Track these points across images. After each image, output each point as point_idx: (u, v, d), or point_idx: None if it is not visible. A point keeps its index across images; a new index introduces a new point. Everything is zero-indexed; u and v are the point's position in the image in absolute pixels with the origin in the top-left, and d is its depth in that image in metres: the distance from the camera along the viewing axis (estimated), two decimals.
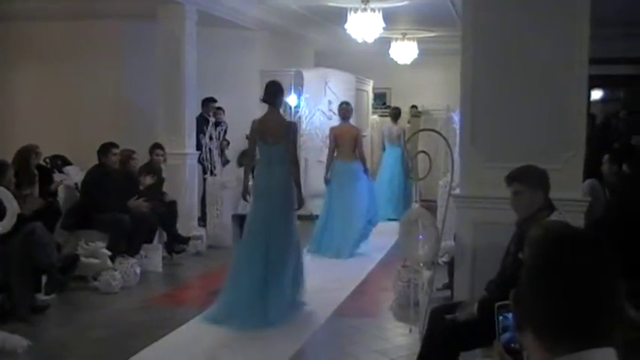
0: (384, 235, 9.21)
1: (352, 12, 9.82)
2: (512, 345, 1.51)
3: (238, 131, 10.53)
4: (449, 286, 5.61)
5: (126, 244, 7.12)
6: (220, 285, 6.35)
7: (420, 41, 13.50)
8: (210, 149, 8.99)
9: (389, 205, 11.07)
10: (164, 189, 8.35)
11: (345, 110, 9.03)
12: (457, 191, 4.75)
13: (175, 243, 8.13)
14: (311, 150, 10.84)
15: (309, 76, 11.12)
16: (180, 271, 7.99)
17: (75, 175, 8.04)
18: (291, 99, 10.62)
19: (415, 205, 5.59)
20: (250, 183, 6.38)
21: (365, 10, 9.79)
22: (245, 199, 6.69)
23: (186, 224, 8.63)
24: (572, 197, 4.18)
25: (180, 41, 8.89)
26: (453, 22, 9.77)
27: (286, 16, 11.48)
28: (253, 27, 10.94)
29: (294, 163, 6.11)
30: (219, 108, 10.05)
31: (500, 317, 1.59)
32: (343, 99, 10.18)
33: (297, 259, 6.08)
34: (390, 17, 10.18)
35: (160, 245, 7.86)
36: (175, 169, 8.80)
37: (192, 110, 9.23)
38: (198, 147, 9.13)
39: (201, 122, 9.29)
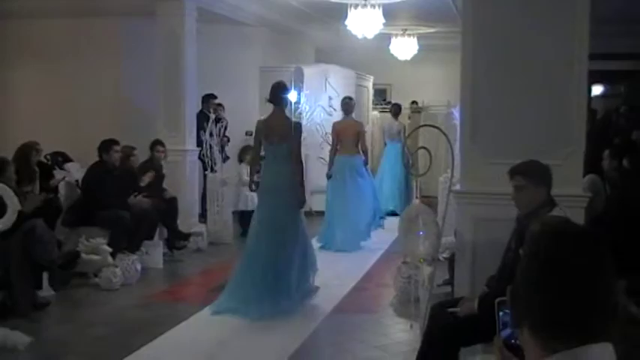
0: (385, 231, 9.24)
1: (352, 8, 9.82)
2: (512, 341, 1.51)
3: (238, 127, 10.56)
4: (449, 282, 5.62)
5: (126, 240, 7.13)
6: (221, 281, 6.40)
7: (420, 37, 13.49)
8: (210, 146, 8.99)
9: (390, 201, 11.13)
10: (165, 185, 8.35)
11: (347, 105, 9.14)
12: (457, 187, 4.75)
13: (176, 239, 8.13)
14: (311, 146, 10.82)
15: (310, 72, 11.11)
16: (180, 267, 8.00)
17: (76, 171, 8.04)
18: (291, 95, 10.61)
19: (415, 201, 5.59)
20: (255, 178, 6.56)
21: (365, 6, 9.78)
22: (252, 190, 6.95)
23: (187, 221, 8.63)
24: (572, 193, 4.18)
25: (180, 38, 8.88)
26: (454, 18, 9.74)
27: (286, 13, 11.47)
28: (253, 23, 10.93)
29: (298, 162, 6.19)
30: (220, 104, 10.05)
31: (501, 313, 1.59)
32: (343, 95, 10.21)
33: (305, 249, 6.22)
34: (390, 13, 10.17)
35: (160, 242, 7.87)
36: (176, 166, 8.81)
37: (192, 107, 9.23)
38: (199, 143, 9.13)
39: (202, 119, 9.29)
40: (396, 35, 13.41)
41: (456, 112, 7.40)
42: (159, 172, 8.21)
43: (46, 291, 6.10)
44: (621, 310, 1.28)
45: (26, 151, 7.03)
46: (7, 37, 10.37)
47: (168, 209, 8.03)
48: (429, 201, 8.12)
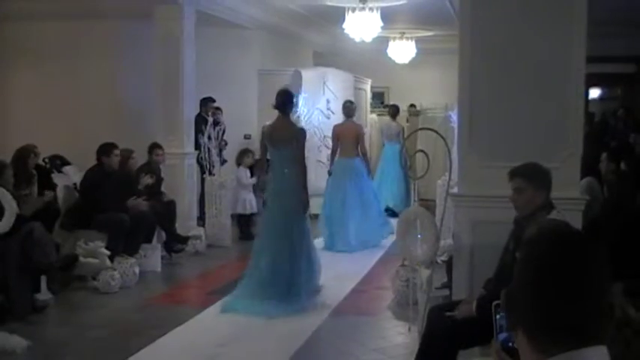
0: None
1: (350, 11, 9.84)
2: (510, 344, 1.52)
3: (236, 131, 10.56)
4: (447, 285, 5.62)
5: (124, 243, 7.12)
6: (220, 284, 6.42)
7: (418, 40, 13.52)
8: (208, 149, 9.00)
9: (390, 201, 11.16)
10: (163, 189, 8.35)
11: (348, 109, 9.31)
12: (455, 190, 4.76)
13: (174, 242, 8.13)
14: (309, 149, 10.83)
15: (308, 75, 11.12)
16: (179, 270, 8.00)
17: (74, 174, 8.04)
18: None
19: (414, 205, 5.60)
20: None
21: (363, 9, 9.80)
22: (262, 190, 7.03)
23: (185, 224, 8.63)
24: (570, 196, 4.19)
25: (178, 41, 8.88)
26: (451, 21, 9.75)
27: (284, 16, 11.48)
28: (251, 27, 10.94)
29: (302, 167, 6.37)
30: (218, 108, 10.05)
31: (498, 316, 1.60)
32: (342, 98, 10.26)
33: (309, 251, 6.42)
34: (388, 16, 10.18)
35: (158, 245, 7.86)
36: (174, 169, 8.80)
37: (190, 110, 9.23)
38: (197, 147, 9.13)
39: (200, 122, 9.29)
40: (394, 38, 13.44)
41: (454, 116, 7.42)
42: (157, 175, 8.20)
43: (45, 294, 6.08)
44: (619, 312, 1.29)
45: (24, 154, 7.02)
46: (5, 39, 10.36)
47: (166, 212, 8.02)
48: (428, 204, 8.13)
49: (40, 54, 10.35)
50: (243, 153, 9.59)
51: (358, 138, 9.11)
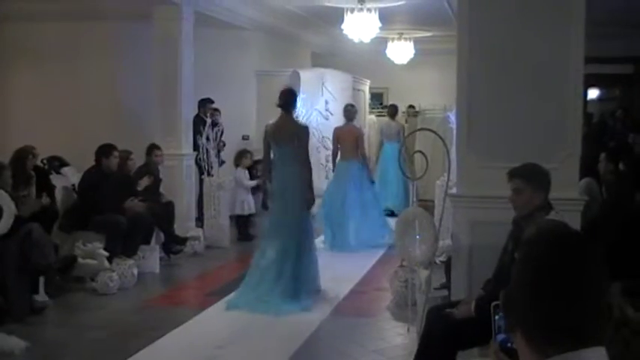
0: None
1: (348, 12, 9.84)
2: (508, 344, 1.52)
3: (234, 132, 10.56)
4: (446, 285, 5.62)
5: (123, 245, 7.11)
6: (218, 285, 6.41)
7: (416, 41, 13.52)
8: (207, 150, 8.99)
9: (389, 200, 11.16)
10: (161, 190, 8.35)
11: (349, 112, 9.43)
12: (454, 191, 4.76)
13: (172, 244, 8.12)
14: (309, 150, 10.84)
15: (306, 76, 11.11)
16: (177, 271, 7.99)
17: (72, 176, 8.02)
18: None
19: (413, 205, 5.60)
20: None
21: (361, 10, 9.80)
22: (266, 188, 6.88)
23: (184, 225, 8.62)
24: (568, 196, 4.19)
25: (176, 42, 8.88)
26: (450, 22, 9.76)
27: (283, 17, 11.48)
28: (250, 27, 10.94)
29: (306, 165, 6.39)
30: (216, 109, 10.05)
31: (497, 316, 1.59)
32: (340, 99, 10.27)
33: (312, 251, 6.49)
34: (386, 17, 10.19)
35: (157, 246, 7.85)
36: (172, 170, 8.79)
37: (188, 111, 9.23)
38: (195, 148, 9.13)
39: (198, 123, 9.29)
40: (393, 39, 13.44)
41: (452, 116, 7.42)
42: (156, 176, 8.20)
43: (43, 295, 6.08)
44: (617, 312, 1.29)
45: (22, 155, 7.00)
46: (5, 39, 10.35)
47: (164, 213, 8.01)
48: (426, 205, 8.13)
49: (39, 54, 10.34)
50: (242, 154, 9.59)
51: (358, 141, 9.19)
